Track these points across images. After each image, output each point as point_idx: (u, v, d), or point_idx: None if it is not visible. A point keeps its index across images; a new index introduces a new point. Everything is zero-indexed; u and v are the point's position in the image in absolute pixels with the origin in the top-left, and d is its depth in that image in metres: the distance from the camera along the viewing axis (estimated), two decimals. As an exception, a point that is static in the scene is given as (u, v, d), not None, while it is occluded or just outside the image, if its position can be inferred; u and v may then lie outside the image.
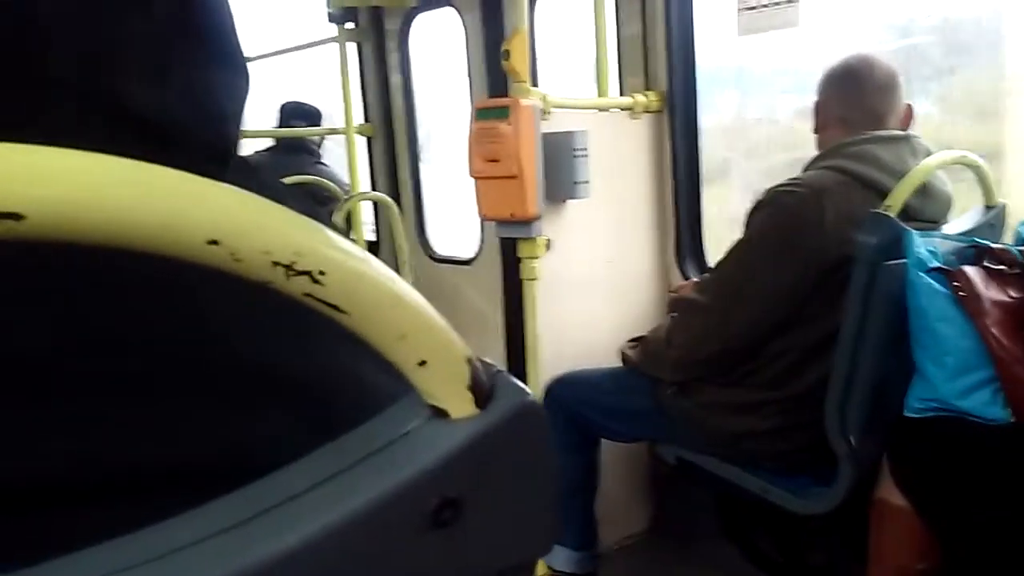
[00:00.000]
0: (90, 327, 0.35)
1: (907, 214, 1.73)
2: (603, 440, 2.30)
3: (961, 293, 1.53)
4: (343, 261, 0.30)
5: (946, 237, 1.71)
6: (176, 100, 0.42)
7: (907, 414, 1.60)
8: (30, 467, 0.33)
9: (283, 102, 3.76)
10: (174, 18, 0.42)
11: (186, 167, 0.27)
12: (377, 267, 0.32)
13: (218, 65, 0.45)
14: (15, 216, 0.24)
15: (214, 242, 0.27)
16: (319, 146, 3.78)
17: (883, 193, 1.73)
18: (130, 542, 0.31)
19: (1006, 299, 1.53)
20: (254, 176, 0.49)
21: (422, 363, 0.34)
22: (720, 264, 1.95)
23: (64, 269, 0.34)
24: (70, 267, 0.34)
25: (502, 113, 2.14)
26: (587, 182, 2.30)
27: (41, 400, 0.34)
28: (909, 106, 1.92)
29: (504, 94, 2.29)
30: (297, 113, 3.71)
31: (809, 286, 1.78)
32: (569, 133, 2.25)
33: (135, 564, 0.30)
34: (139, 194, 0.26)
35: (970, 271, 1.56)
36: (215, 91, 0.45)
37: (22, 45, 0.36)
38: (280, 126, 3.73)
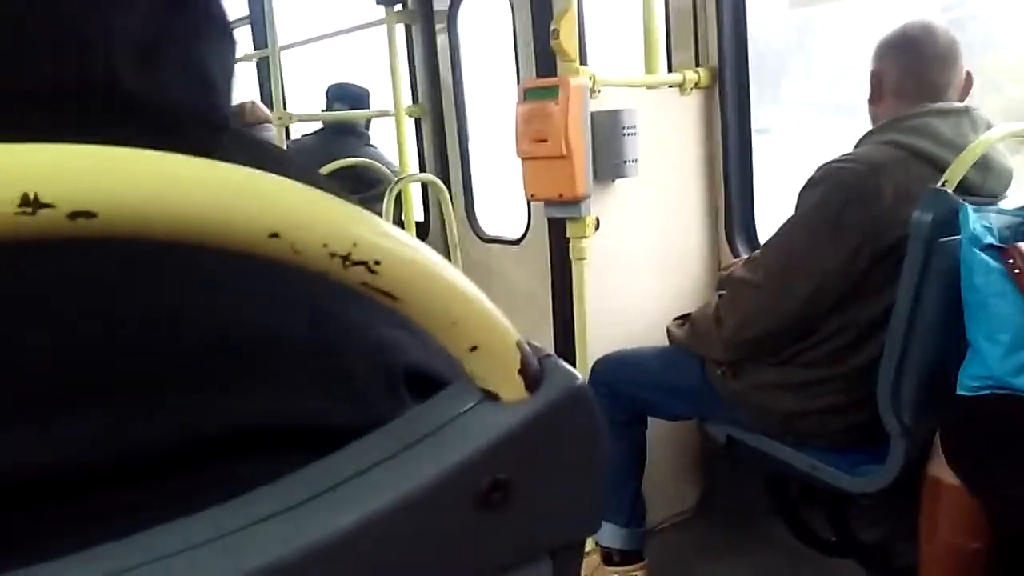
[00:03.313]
0: (104, 315, 0.36)
1: (966, 189, 1.69)
2: (651, 418, 2.30)
3: (1016, 270, 1.50)
4: (397, 250, 0.31)
5: (1002, 212, 1.67)
6: (168, 78, 0.41)
7: (960, 392, 1.58)
8: (61, 454, 0.33)
9: (329, 84, 3.78)
10: None
11: (185, 146, 0.28)
12: (429, 255, 0.33)
13: (206, 35, 0.44)
14: (88, 214, 0.25)
15: (275, 235, 0.28)
16: (367, 128, 3.80)
17: (942, 168, 1.69)
18: (188, 524, 0.32)
19: None
20: (253, 147, 0.48)
21: (473, 348, 0.35)
22: (772, 241, 1.92)
23: (80, 260, 0.35)
24: (86, 258, 0.35)
25: (551, 93, 2.13)
26: (636, 160, 2.28)
27: (64, 390, 0.34)
28: (969, 75, 1.86)
29: (552, 73, 2.28)
30: (343, 95, 3.72)
31: (864, 264, 1.75)
32: (618, 111, 2.23)
33: (193, 545, 0.31)
34: (205, 191, 0.27)
35: None
36: (205, 63, 0.44)
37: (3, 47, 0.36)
38: (327, 109, 3.76)
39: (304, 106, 3.75)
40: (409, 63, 3.61)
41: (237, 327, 0.39)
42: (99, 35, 0.38)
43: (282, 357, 0.40)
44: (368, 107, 3.74)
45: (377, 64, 3.48)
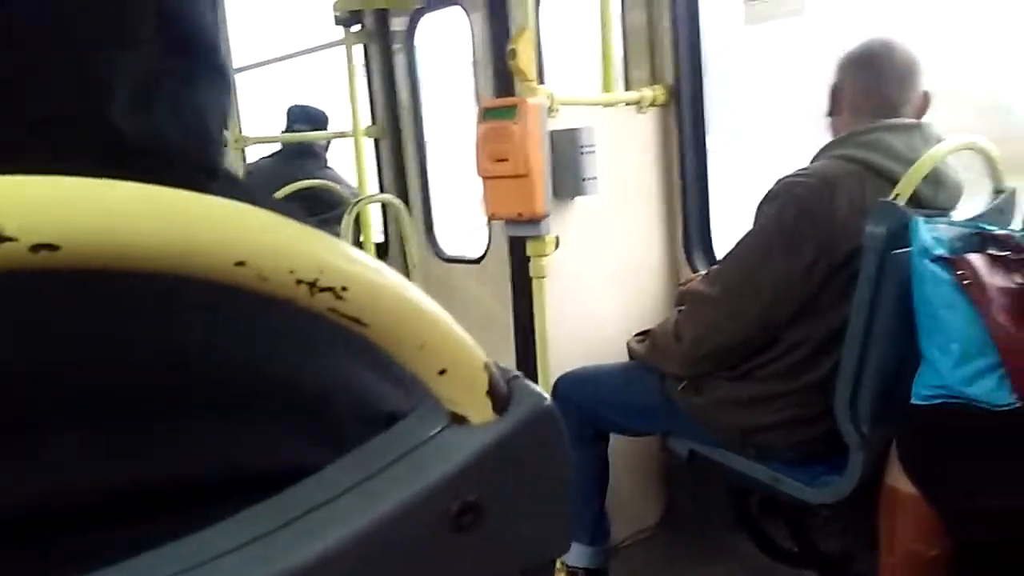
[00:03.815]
0: (81, 346, 0.35)
1: (919, 203, 1.72)
2: (613, 434, 2.31)
3: (965, 281, 1.53)
4: (364, 275, 0.31)
5: (952, 224, 1.71)
6: (164, 122, 0.41)
7: (914, 401, 1.60)
8: (30, 493, 0.32)
9: (289, 106, 3.76)
10: (160, 38, 0.41)
11: (181, 187, 0.27)
12: (396, 279, 0.32)
13: (203, 81, 0.44)
14: (51, 247, 0.24)
15: (241, 263, 0.28)
16: (326, 150, 3.79)
17: (895, 182, 1.72)
18: (153, 557, 0.31)
19: (1011, 285, 1.53)
20: (242, 189, 0.48)
21: (442, 371, 0.35)
22: (729, 256, 1.95)
23: (56, 291, 0.34)
24: (62, 289, 0.34)
25: (509, 113, 2.15)
26: (594, 178, 2.30)
27: (38, 422, 0.33)
28: (926, 94, 1.89)
29: (511, 92, 2.30)
30: (303, 117, 3.71)
31: (819, 277, 1.78)
32: (576, 130, 2.25)
33: None
34: (170, 220, 0.26)
35: (973, 258, 1.56)
36: (201, 109, 0.44)
37: (2, 85, 0.36)
38: (286, 130, 3.74)
39: (260, 128, 3.73)
40: (367, 83, 3.61)
41: (225, 364, 0.38)
42: (103, 72, 0.38)
43: (266, 400, 0.39)
44: (327, 129, 3.73)
45: (334, 84, 3.48)
